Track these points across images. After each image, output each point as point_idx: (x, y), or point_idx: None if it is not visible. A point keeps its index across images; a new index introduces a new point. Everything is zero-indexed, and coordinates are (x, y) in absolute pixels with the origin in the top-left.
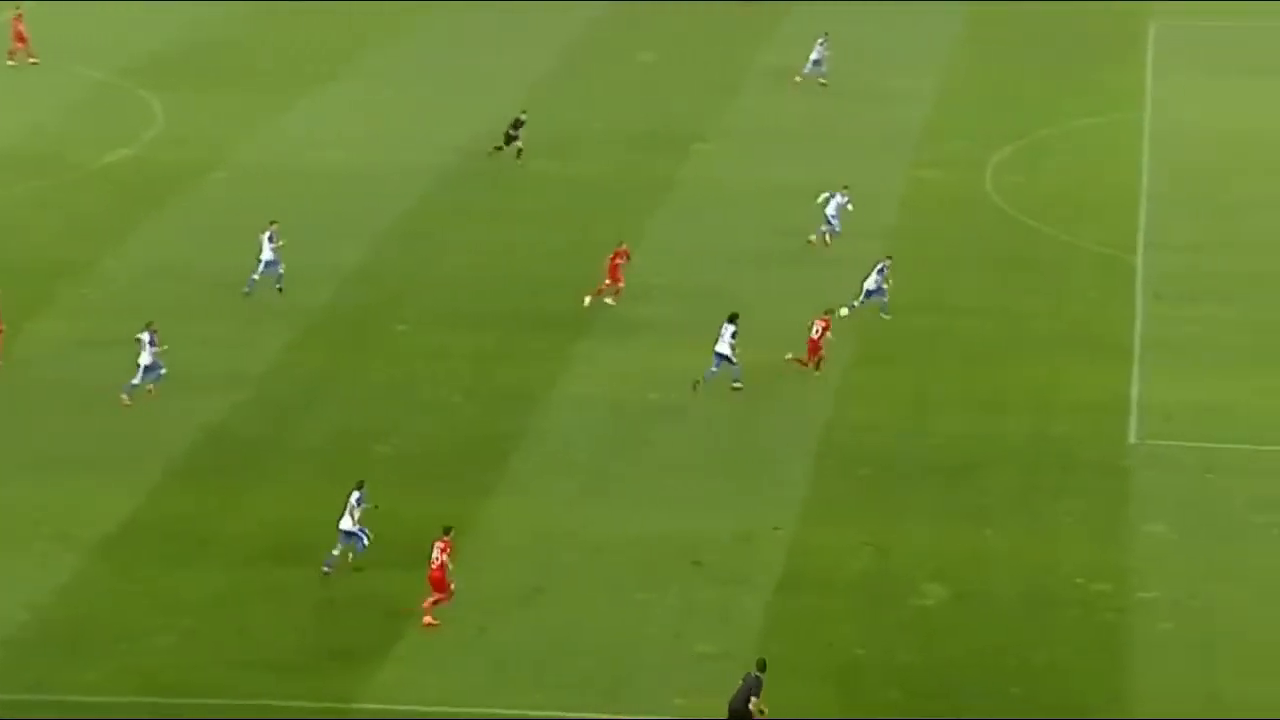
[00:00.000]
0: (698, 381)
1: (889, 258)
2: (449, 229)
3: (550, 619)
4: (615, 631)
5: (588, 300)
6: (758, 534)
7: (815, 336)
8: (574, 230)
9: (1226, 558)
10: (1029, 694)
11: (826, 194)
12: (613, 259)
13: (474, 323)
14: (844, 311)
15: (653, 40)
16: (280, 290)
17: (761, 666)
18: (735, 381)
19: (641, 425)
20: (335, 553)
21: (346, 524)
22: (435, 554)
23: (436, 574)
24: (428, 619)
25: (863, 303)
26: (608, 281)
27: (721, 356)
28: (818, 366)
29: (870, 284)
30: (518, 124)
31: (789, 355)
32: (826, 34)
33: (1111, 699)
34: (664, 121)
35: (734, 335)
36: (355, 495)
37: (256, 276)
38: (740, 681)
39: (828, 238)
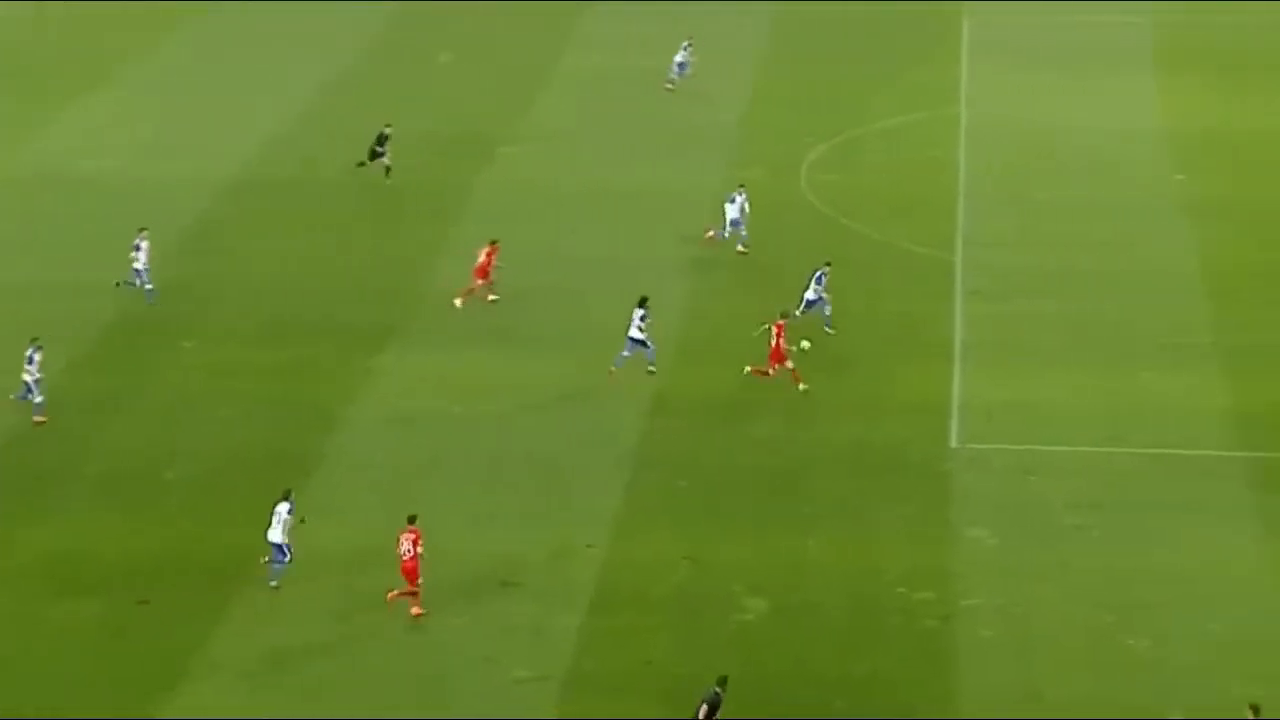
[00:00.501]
0: (651, 370)
1: (828, 264)
2: (238, 240)
3: (357, 645)
4: (424, 656)
5: (458, 302)
6: (571, 551)
7: (773, 345)
8: (373, 239)
9: (1045, 561)
10: (853, 706)
11: (730, 196)
12: (485, 256)
13: (267, 337)
14: (805, 344)
15: (451, 41)
16: (150, 304)
17: (721, 683)
18: (650, 366)
19: (446, 440)
20: (277, 566)
21: (275, 536)
22: (406, 546)
23: (409, 565)
24: (415, 610)
25: (803, 313)
26: (479, 281)
27: (635, 341)
28: (796, 379)
29: (810, 294)
30: (382, 139)
31: (748, 369)
32: (691, 37)
33: (936, 708)
34: (467, 124)
35: (644, 319)
36: (285, 506)
37: (147, 286)
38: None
39: (741, 245)
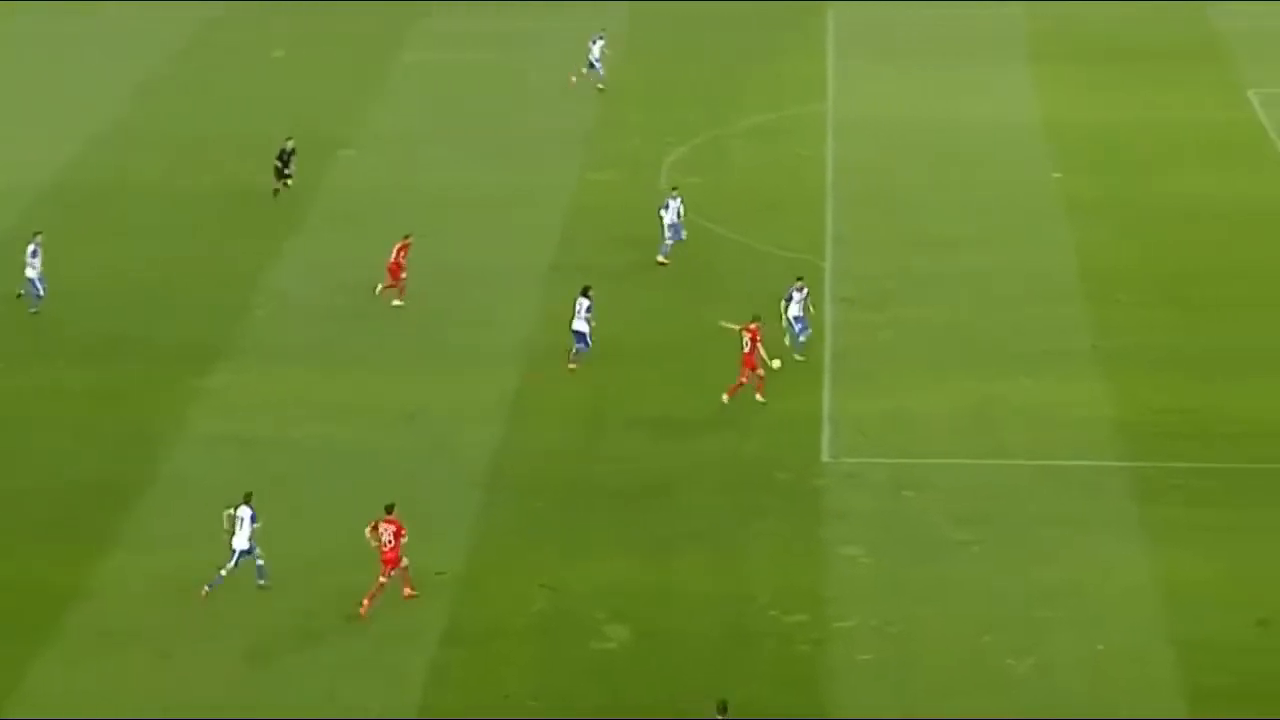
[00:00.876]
0: (572, 367)
1: (800, 279)
2: (51, 253)
3: (187, 682)
4: (262, 694)
5: (378, 289)
6: (420, 580)
7: (746, 350)
8: (203, 249)
9: (925, 579)
10: None
11: (666, 203)
12: (396, 254)
13: (86, 356)
14: (774, 363)
15: (283, 38)
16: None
17: (723, 709)
18: (572, 363)
19: (286, 465)
20: (224, 572)
21: (241, 542)
22: (386, 536)
23: (390, 555)
24: (407, 591)
25: (798, 340)
26: (391, 279)
27: (579, 334)
28: (759, 389)
29: (795, 311)
30: (285, 155)
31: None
32: (604, 31)
33: None
34: (302, 126)
35: (589, 310)
36: (248, 511)
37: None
38: None
39: (663, 256)
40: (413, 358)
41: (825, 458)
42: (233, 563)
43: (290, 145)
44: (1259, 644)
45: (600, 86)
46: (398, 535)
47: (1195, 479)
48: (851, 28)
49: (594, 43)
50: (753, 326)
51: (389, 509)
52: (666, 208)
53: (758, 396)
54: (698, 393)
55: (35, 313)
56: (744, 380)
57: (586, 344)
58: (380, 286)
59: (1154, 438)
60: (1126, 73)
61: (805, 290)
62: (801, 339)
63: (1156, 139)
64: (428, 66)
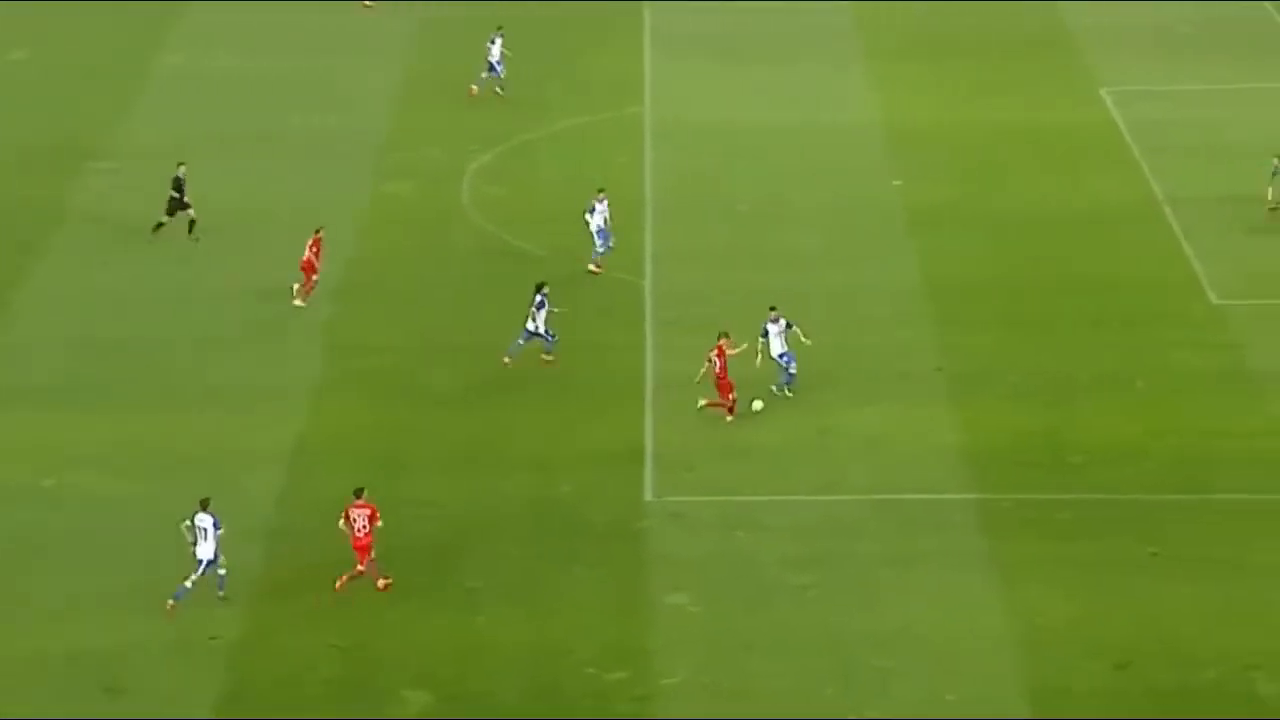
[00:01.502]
0: (550, 361)
1: (775, 309)
2: None
3: None
4: None
5: (299, 302)
6: (191, 644)
7: (719, 371)
8: None
9: (759, 628)
10: None
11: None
12: (310, 249)
13: None
14: (756, 405)
15: (24, 38)
16: None
17: None
18: (543, 354)
19: (34, 519)
20: (189, 584)
21: (206, 552)
22: (360, 522)
23: (362, 541)
24: (381, 582)
25: (789, 377)
26: (310, 276)
27: (533, 334)
28: (731, 410)
29: (777, 348)
30: (179, 184)
31: (702, 402)
32: (501, 29)
33: None
34: (47, 136)
35: (539, 306)
36: (209, 519)
37: None
38: None
39: (595, 264)
40: (185, 395)
41: (648, 497)
42: (199, 572)
43: (182, 172)
44: (1117, 688)
45: (500, 90)
46: (371, 519)
47: (1047, 510)
48: (670, 25)
49: (492, 43)
50: (719, 344)
51: (358, 493)
52: (592, 211)
53: (729, 418)
54: (504, 430)
55: None
56: (724, 404)
57: (546, 338)
58: (296, 287)
59: (1003, 467)
60: (971, 71)
61: (782, 321)
62: (790, 375)
63: (1004, 142)
64: (192, 70)
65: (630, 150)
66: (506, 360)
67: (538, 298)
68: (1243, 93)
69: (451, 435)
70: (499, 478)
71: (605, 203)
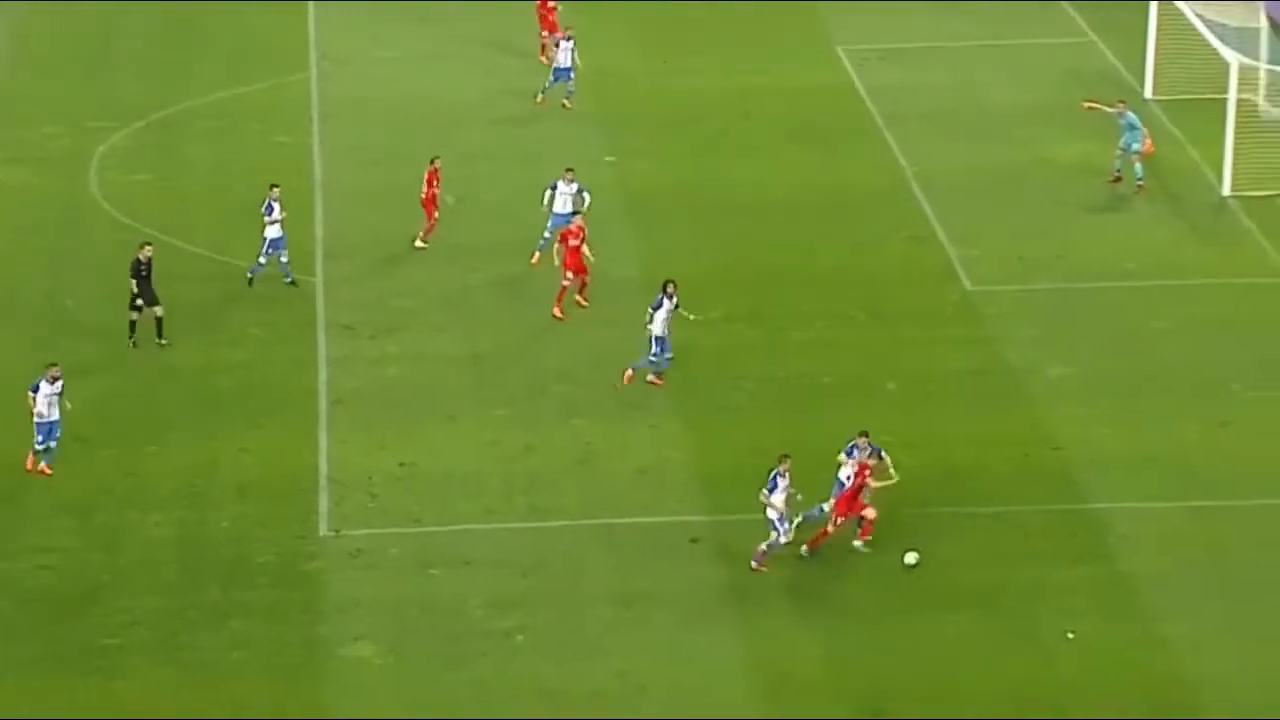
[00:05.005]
0: (656, 381)
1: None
2: None
3: None
4: None
5: (419, 243)
6: None
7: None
8: None
9: (458, 683)
10: None
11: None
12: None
13: None
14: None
15: None
16: None
17: None
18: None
19: None
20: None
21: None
22: None
23: None
24: None
25: (655, 363)
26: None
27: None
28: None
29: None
30: (142, 269)
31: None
32: (571, 31)
33: None
34: None
35: (658, 306)
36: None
37: None
38: None
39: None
40: None
41: (323, 531)
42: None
43: (148, 254)
44: None
45: (567, 103)
46: None
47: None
48: None
49: (558, 46)
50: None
51: None
52: (554, 188)
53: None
54: (147, 459)
55: None
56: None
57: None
58: (421, 234)
59: (737, 485)
60: (690, 27)
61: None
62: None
63: (731, 110)
64: None
65: (294, 128)
66: (655, 381)
67: (659, 296)
68: (989, 50)
69: (81, 469)
70: (140, 516)
71: (571, 183)
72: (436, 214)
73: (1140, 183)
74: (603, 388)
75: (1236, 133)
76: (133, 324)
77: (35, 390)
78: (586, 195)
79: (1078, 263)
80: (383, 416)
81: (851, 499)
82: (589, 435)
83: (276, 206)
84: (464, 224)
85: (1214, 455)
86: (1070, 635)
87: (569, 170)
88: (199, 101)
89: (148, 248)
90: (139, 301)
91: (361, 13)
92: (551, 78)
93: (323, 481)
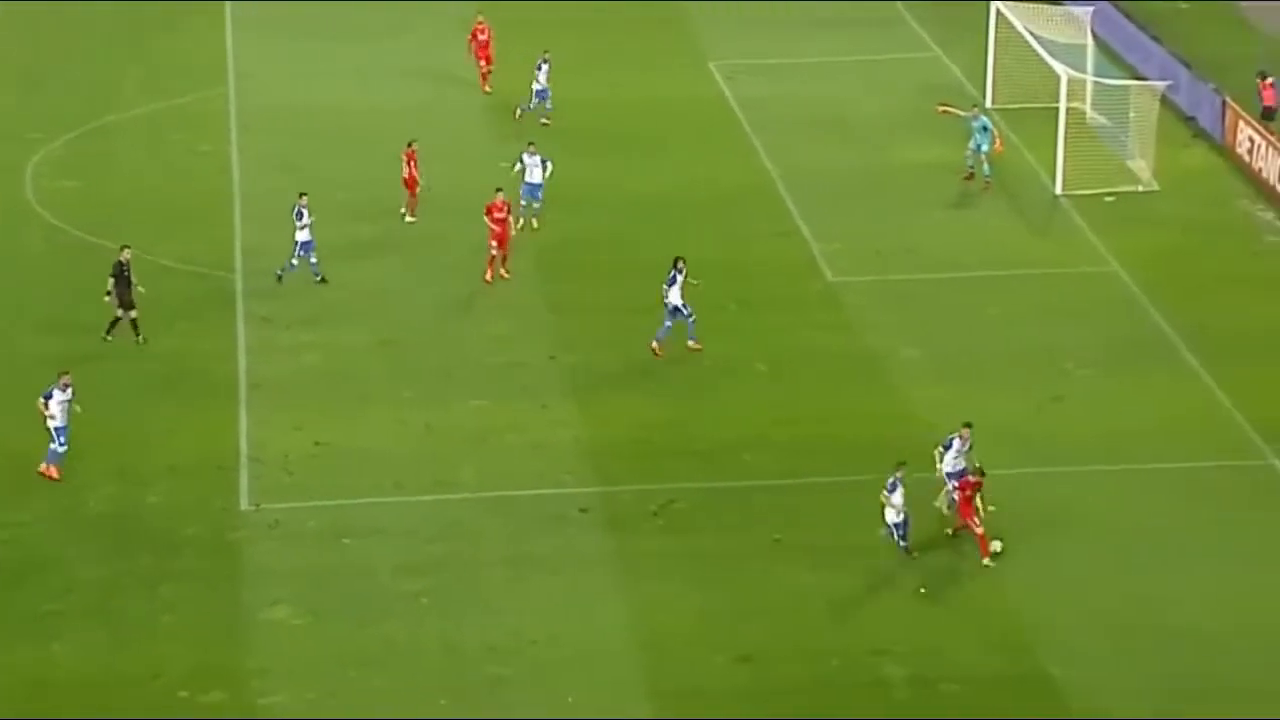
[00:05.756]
0: (694, 345)
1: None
2: None
3: None
4: None
5: (410, 218)
6: None
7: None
8: None
9: (369, 641)
10: None
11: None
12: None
13: None
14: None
15: None
16: None
17: None
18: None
19: None
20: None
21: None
22: None
23: None
24: None
25: (677, 329)
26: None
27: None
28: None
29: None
30: (124, 269)
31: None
32: (547, 55)
33: None
34: None
35: (672, 281)
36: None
37: None
38: None
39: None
40: None
41: (245, 505)
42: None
43: (127, 256)
44: (742, 685)
45: (545, 121)
46: None
47: (671, 502)
48: (254, 3)
49: (539, 69)
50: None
51: None
52: (522, 161)
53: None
54: (82, 441)
55: None
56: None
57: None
58: (406, 210)
59: (623, 459)
60: (580, 44)
61: (685, 273)
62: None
63: (617, 118)
64: None
65: (215, 137)
66: (693, 345)
67: (672, 273)
68: (847, 65)
69: (26, 452)
70: (77, 492)
71: (537, 155)
72: (418, 191)
73: (988, 179)
74: (499, 371)
75: (1067, 138)
76: (114, 321)
77: (48, 398)
78: (549, 164)
79: (927, 256)
80: (299, 400)
81: (966, 506)
82: (487, 415)
83: (305, 212)
84: (375, 222)
85: (1048, 427)
86: (922, 590)
87: (530, 144)
88: (126, 114)
89: (126, 250)
90: (107, 298)
91: (276, 31)
92: (534, 98)
93: (244, 460)
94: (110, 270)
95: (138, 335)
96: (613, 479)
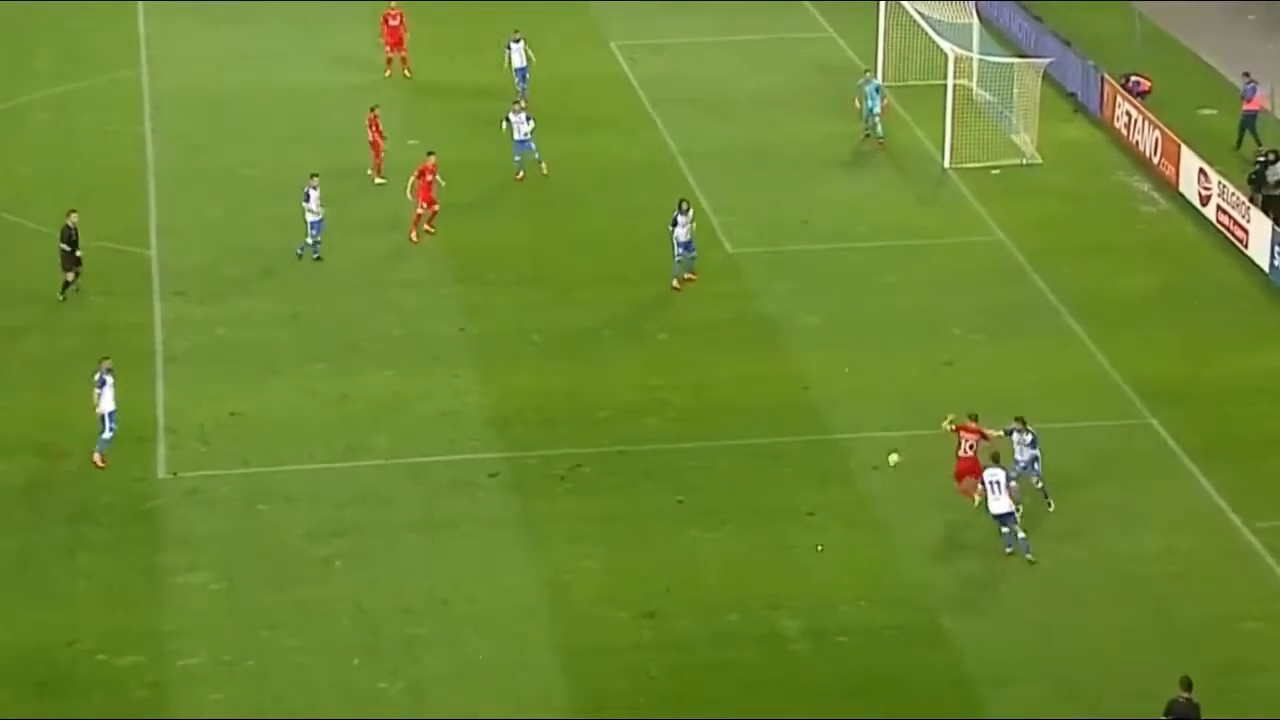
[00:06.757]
0: (692, 279)
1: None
2: None
3: None
4: None
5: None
6: None
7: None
8: None
9: (283, 604)
10: None
11: None
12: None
13: None
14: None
15: None
16: None
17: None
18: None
19: None
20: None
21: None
22: None
23: None
24: None
25: (687, 261)
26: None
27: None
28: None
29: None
30: (71, 236)
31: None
32: (518, 34)
33: None
34: None
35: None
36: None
37: None
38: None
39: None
40: None
41: (161, 474)
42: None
43: (74, 220)
44: (644, 640)
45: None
46: None
47: (575, 466)
48: None
49: (509, 49)
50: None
51: None
52: (508, 120)
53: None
54: (4, 418)
55: None
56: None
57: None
58: (374, 173)
59: (529, 426)
60: (477, 26)
61: (691, 213)
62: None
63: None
64: None
65: (128, 117)
66: (690, 277)
67: (675, 214)
68: (744, 45)
69: None
70: None
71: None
72: (382, 154)
73: (881, 140)
74: (409, 342)
75: (954, 114)
76: (66, 283)
77: (102, 386)
78: (532, 120)
79: (821, 227)
80: (213, 371)
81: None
82: (397, 384)
83: (314, 194)
84: (282, 198)
85: (938, 390)
86: (820, 548)
87: (515, 103)
88: (36, 95)
89: (73, 215)
90: (73, 267)
91: (187, 15)
92: (517, 79)
93: (160, 430)
94: (60, 236)
95: (63, 294)
96: (521, 445)
